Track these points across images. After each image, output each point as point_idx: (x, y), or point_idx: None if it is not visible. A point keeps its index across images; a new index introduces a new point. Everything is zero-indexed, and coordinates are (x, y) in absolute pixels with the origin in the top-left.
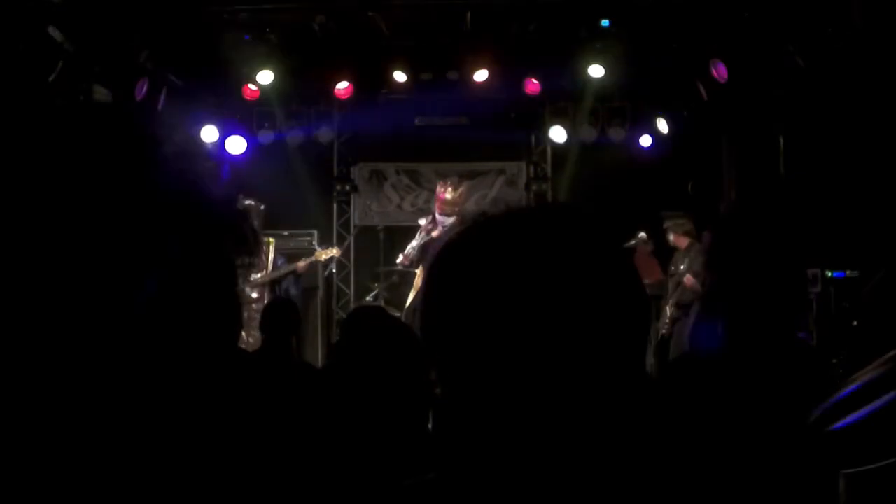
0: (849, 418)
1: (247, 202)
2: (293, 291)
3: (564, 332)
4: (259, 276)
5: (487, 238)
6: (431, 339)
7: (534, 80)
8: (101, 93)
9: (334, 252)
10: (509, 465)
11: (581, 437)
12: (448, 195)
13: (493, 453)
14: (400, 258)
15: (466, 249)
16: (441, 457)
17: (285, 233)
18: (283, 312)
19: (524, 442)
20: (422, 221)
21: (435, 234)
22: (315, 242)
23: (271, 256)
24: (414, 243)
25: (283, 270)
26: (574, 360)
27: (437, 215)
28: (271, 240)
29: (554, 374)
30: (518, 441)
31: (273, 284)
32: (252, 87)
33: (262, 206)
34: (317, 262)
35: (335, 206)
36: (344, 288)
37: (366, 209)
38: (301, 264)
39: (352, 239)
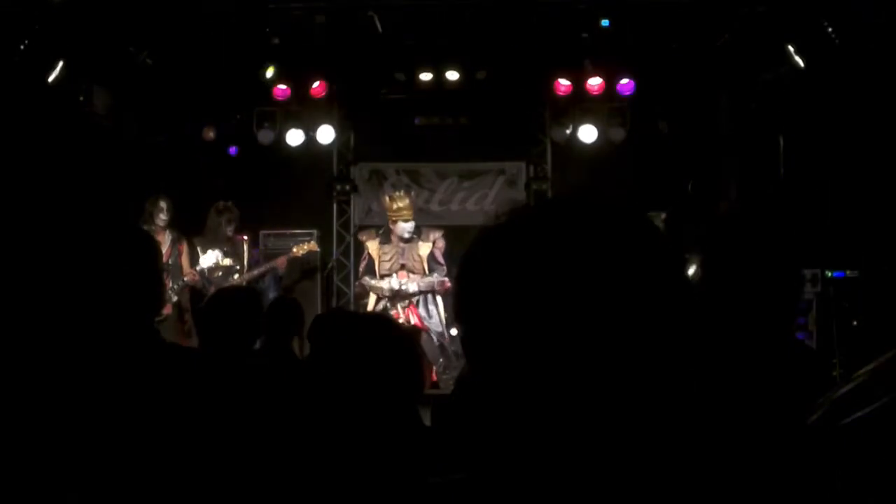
0: (848, 417)
1: (226, 203)
2: (271, 294)
3: (601, 320)
4: (237, 276)
5: (530, 224)
6: (471, 322)
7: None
8: (101, 93)
9: (312, 247)
10: (542, 459)
11: (609, 432)
12: (402, 203)
13: (527, 446)
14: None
15: (509, 235)
16: (470, 452)
17: (285, 232)
18: (286, 312)
19: (556, 433)
20: (362, 237)
21: (402, 243)
22: (315, 242)
23: (246, 257)
24: (368, 274)
25: (262, 269)
26: (610, 350)
27: (395, 224)
28: (245, 237)
29: (592, 362)
30: (550, 432)
31: (251, 285)
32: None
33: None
34: (296, 259)
35: (335, 206)
36: (344, 288)
37: (366, 209)
38: (280, 262)
39: (352, 239)
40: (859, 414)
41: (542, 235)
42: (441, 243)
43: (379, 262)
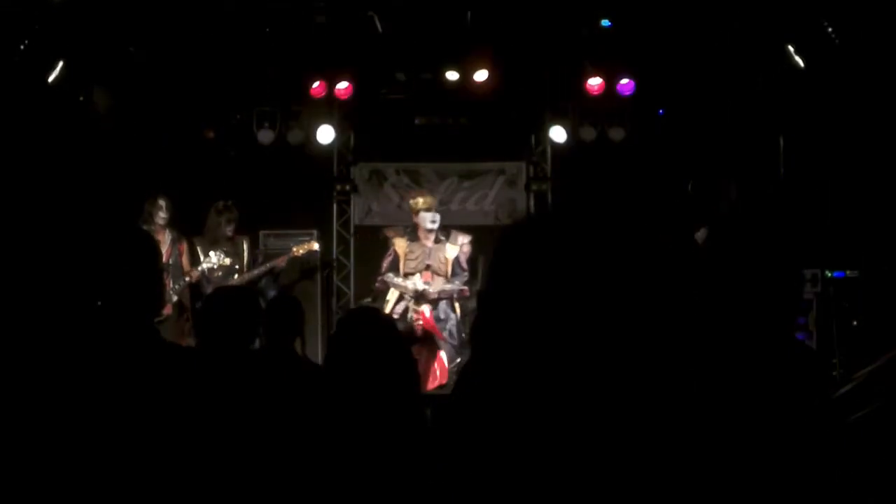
0: (849, 416)
1: (226, 203)
2: (270, 294)
3: (615, 319)
4: (236, 277)
5: (556, 229)
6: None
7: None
8: (101, 93)
9: (313, 246)
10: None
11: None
12: (422, 197)
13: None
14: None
15: (540, 236)
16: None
17: (286, 233)
18: (286, 311)
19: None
20: (389, 233)
21: (429, 243)
22: (315, 242)
23: (246, 256)
24: (391, 271)
25: (262, 269)
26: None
27: (418, 216)
28: (245, 237)
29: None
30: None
31: (250, 285)
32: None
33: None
34: (296, 259)
35: (335, 206)
36: (344, 288)
37: (366, 209)
38: (279, 262)
39: (352, 239)
40: (859, 414)
41: (558, 243)
42: (468, 248)
43: (404, 261)
